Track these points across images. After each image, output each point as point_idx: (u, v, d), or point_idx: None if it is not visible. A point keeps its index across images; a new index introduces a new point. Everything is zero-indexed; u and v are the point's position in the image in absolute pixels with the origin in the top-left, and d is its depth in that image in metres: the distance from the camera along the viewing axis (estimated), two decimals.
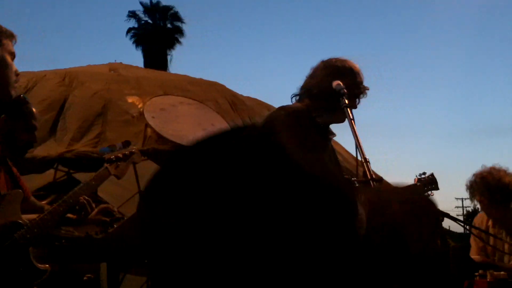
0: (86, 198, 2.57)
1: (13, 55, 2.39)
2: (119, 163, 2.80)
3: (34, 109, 3.06)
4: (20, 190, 2.38)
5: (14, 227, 2.26)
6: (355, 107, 3.24)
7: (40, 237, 2.36)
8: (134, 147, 2.92)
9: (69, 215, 2.58)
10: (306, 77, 3.33)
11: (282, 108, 3.20)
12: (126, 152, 2.85)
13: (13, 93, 2.39)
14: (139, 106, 6.69)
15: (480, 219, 4.76)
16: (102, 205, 3.15)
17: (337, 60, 3.29)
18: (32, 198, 2.84)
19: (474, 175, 4.59)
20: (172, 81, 7.93)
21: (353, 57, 3.32)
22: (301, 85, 3.33)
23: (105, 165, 2.75)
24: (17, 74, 2.40)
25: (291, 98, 3.33)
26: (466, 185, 4.61)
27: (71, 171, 6.50)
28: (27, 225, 2.29)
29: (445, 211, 3.59)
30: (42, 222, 2.35)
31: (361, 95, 3.27)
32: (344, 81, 3.02)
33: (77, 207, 2.61)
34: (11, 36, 2.42)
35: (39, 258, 2.93)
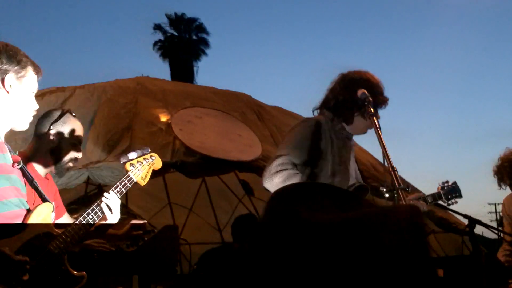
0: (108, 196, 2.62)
1: (35, 88, 2.44)
2: (140, 169, 2.87)
3: (79, 123, 3.11)
4: (50, 203, 2.42)
5: (47, 237, 2.31)
6: (377, 117, 3.24)
7: (74, 245, 2.41)
8: (153, 152, 2.99)
9: (100, 222, 2.63)
10: (326, 90, 3.38)
11: (305, 120, 3.27)
12: (147, 158, 2.92)
13: (28, 126, 2.46)
14: (166, 118, 6.75)
15: (510, 200, 4.70)
16: (133, 221, 3.20)
17: (355, 72, 3.33)
18: (67, 215, 2.90)
19: (500, 159, 4.56)
20: (198, 92, 7.99)
21: (374, 68, 3.35)
22: (322, 98, 3.38)
23: (128, 172, 2.82)
24: (35, 108, 2.48)
25: (312, 111, 3.39)
26: (493, 170, 4.56)
27: (102, 184, 6.58)
28: (60, 235, 2.35)
29: (477, 217, 3.57)
30: (74, 231, 2.40)
31: (380, 105, 3.29)
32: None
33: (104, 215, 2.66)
34: (37, 70, 2.45)
35: (75, 265, 2.98)
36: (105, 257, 3.58)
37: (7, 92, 2.30)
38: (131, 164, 2.84)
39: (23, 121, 2.40)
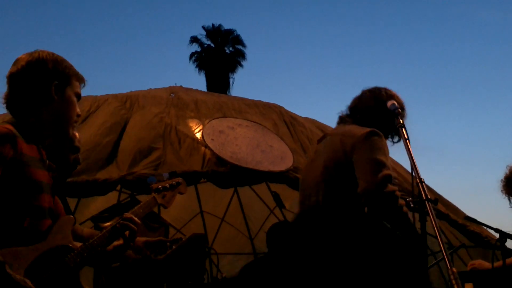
0: (127, 216, 2.57)
1: (79, 96, 2.52)
2: (165, 192, 2.86)
3: (76, 133, 3.21)
4: (72, 216, 2.44)
5: (64, 251, 2.31)
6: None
7: (89, 261, 2.40)
8: (179, 178, 3.01)
9: (116, 242, 2.60)
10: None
11: (376, 131, 3.10)
12: (173, 183, 2.93)
13: (71, 132, 2.51)
14: (198, 128, 6.79)
15: None
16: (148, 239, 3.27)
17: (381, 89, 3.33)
18: (77, 225, 2.90)
19: (508, 167, 4.37)
20: (230, 103, 8.01)
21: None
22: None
23: (153, 194, 2.81)
24: (78, 115, 2.53)
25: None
26: (501, 181, 4.33)
27: (135, 193, 6.63)
28: (77, 249, 2.34)
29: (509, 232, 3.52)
30: (92, 247, 2.39)
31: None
32: None
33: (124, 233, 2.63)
34: (81, 79, 2.54)
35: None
36: (133, 265, 3.61)
37: (55, 98, 2.38)
38: (156, 188, 2.86)
39: (68, 128, 2.47)
